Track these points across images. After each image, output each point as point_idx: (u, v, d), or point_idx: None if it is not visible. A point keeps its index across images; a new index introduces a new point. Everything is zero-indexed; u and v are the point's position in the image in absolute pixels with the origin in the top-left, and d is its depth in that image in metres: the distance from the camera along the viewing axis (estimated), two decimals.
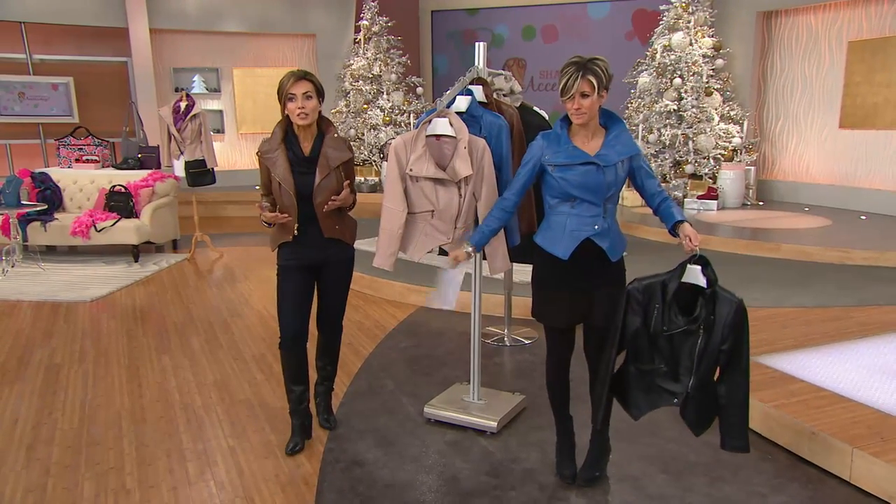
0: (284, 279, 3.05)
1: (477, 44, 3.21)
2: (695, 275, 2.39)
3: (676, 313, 2.40)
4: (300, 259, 3.02)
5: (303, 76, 2.87)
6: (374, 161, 10.86)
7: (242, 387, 3.86)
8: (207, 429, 3.36)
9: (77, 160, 7.87)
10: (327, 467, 2.97)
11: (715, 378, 2.50)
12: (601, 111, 2.58)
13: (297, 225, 2.93)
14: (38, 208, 6.80)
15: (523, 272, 5.11)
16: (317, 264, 3.06)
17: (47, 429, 3.39)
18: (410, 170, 2.99)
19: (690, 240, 2.47)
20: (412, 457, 3.05)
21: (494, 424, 3.21)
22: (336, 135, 3.01)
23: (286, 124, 2.96)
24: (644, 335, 2.48)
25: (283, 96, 2.86)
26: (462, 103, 3.06)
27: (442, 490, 2.79)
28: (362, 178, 10.65)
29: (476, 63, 3.20)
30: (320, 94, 2.91)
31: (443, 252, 3.25)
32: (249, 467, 2.99)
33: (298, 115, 2.85)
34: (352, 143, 10.77)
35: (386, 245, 3.09)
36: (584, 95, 2.46)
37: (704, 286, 2.38)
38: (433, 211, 3.03)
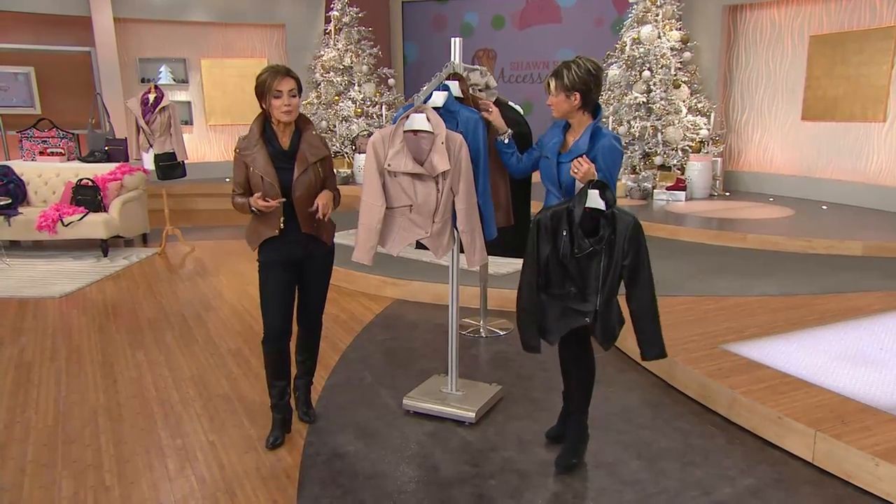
0: (267, 276, 3.04)
1: (453, 39, 3.24)
2: (594, 198, 2.56)
3: (582, 237, 2.57)
4: (282, 255, 3.01)
5: (287, 73, 2.87)
6: (346, 153, 10.82)
7: (220, 381, 3.86)
8: (186, 424, 3.36)
9: (41, 153, 7.69)
10: (308, 460, 2.99)
11: (626, 298, 2.69)
12: (598, 108, 2.81)
13: (282, 218, 2.93)
14: (1, 202, 6.64)
15: (499, 264, 5.19)
16: (298, 260, 3.06)
17: (21, 427, 3.35)
18: (388, 165, 3.01)
19: (578, 168, 2.62)
20: (392, 448, 3.09)
21: (472, 415, 3.26)
22: (314, 132, 3.03)
23: (263, 120, 2.95)
24: (555, 260, 2.65)
25: (268, 92, 2.84)
26: (439, 98, 3.09)
27: (422, 480, 2.84)
28: (335, 170, 10.60)
29: (452, 58, 3.22)
30: (301, 90, 2.93)
31: (420, 246, 3.29)
32: (230, 462, 3.00)
33: (284, 112, 2.85)
34: (323, 135, 10.74)
35: (365, 239, 3.11)
36: (551, 93, 2.77)
37: (604, 208, 2.56)
38: (411, 206, 3.06)
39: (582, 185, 2.61)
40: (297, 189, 2.92)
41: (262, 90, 2.86)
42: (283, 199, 2.88)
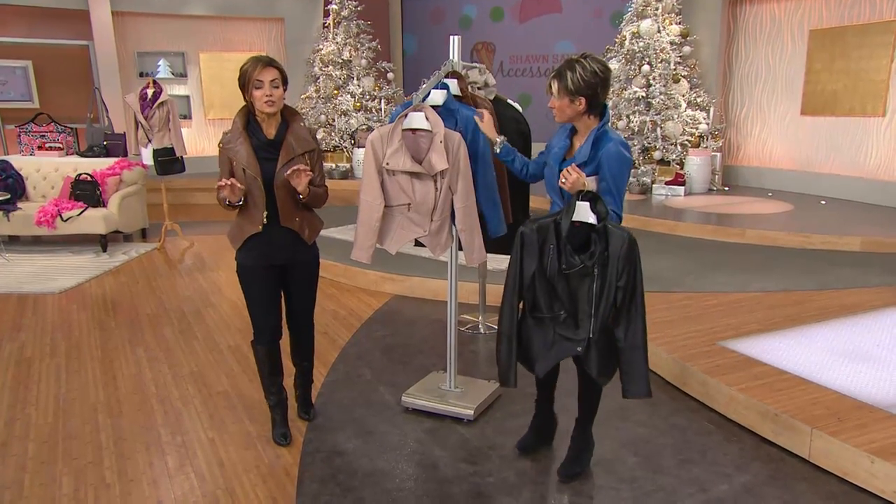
0: (250, 282, 2.97)
1: (452, 37, 3.23)
2: (584, 211, 2.38)
3: (571, 253, 2.39)
4: (262, 258, 2.93)
5: (269, 62, 2.78)
6: (346, 147, 10.80)
7: (219, 378, 3.87)
8: (186, 421, 3.37)
9: (39, 147, 7.68)
10: (307, 457, 3.01)
11: (611, 322, 2.51)
12: (605, 109, 2.61)
13: (265, 213, 2.84)
14: (0, 198, 6.64)
15: (498, 260, 5.19)
16: (281, 265, 2.98)
17: (21, 424, 3.36)
18: (387, 163, 3.01)
19: (566, 178, 2.45)
20: (391, 445, 3.10)
21: (471, 412, 3.28)
22: (302, 124, 2.94)
23: (247, 113, 2.87)
24: (542, 278, 2.46)
25: (249, 83, 2.76)
26: (438, 97, 3.09)
27: (421, 478, 2.85)
28: (333, 165, 10.60)
29: (451, 56, 3.22)
30: (285, 81, 2.84)
31: (419, 243, 3.30)
32: (230, 459, 3.01)
33: (266, 102, 2.75)
34: (322, 129, 10.72)
35: (364, 238, 3.11)
36: (554, 96, 2.58)
37: (595, 222, 2.39)
38: (409, 204, 3.06)
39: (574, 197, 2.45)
40: (279, 179, 2.82)
41: (244, 81, 2.77)
42: (241, 186, 2.75)
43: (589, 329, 2.46)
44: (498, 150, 2.93)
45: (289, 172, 2.74)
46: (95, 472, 2.92)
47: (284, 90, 2.84)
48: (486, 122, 2.95)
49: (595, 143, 2.55)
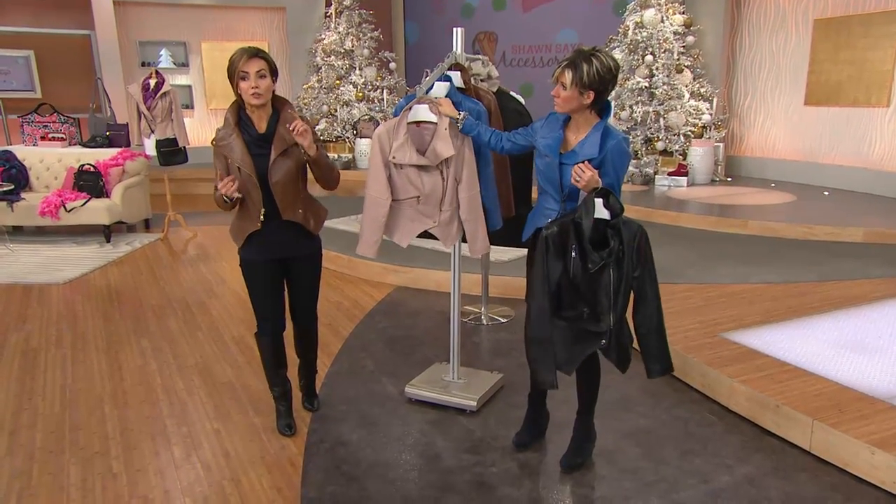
0: (253, 275, 2.97)
1: (455, 29, 3.23)
2: (598, 208, 2.41)
3: (591, 251, 2.42)
4: (264, 254, 2.92)
5: (255, 53, 2.72)
6: (348, 138, 10.79)
7: (224, 369, 3.89)
8: (191, 412, 3.40)
9: (42, 138, 7.69)
10: (312, 448, 3.04)
11: (629, 312, 2.57)
12: (608, 106, 2.59)
13: (262, 209, 2.82)
14: (4, 188, 6.65)
15: (500, 251, 5.20)
16: (283, 259, 2.97)
17: (28, 414, 3.39)
18: (393, 157, 3.02)
19: (581, 175, 2.44)
20: (395, 436, 3.13)
21: (474, 403, 3.30)
22: (291, 111, 2.87)
23: (238, 107, 2.83)
24: (565, 279, 2.48)
25: (235, 75, 2.69)
26: (441, 89, 3.08)
27: (424, 468, 2.88)
28: (336, 155, 10.59)
29: (454, 48, 3.21)
30: (274, 72, 2.78)
31: (429, 235, 3.30)
32: (235, 449, 3.04)
33: (252, 94, 2.70)
34: (325, 120, 10.69)
35: (370, 233, 3.12)
36: (563, 86, 2.53)
37: (608, 217, 2.41)
38: (419, 197, 3.06)
39: (586, 193, 2.45)
40: (273, 174, 2.77)
41: (231, 73, 2.73)
42: (236, 181, 2.71)
43: (610, 321, 2.50)
44: (460, 126, 2.92)
45: (291, 128, 2.69)
46: (102, 462, 2.95)
47: (274, 81, 2.78)
48: (444, 107, 2.95)
49: (602, 139, 2.55)
